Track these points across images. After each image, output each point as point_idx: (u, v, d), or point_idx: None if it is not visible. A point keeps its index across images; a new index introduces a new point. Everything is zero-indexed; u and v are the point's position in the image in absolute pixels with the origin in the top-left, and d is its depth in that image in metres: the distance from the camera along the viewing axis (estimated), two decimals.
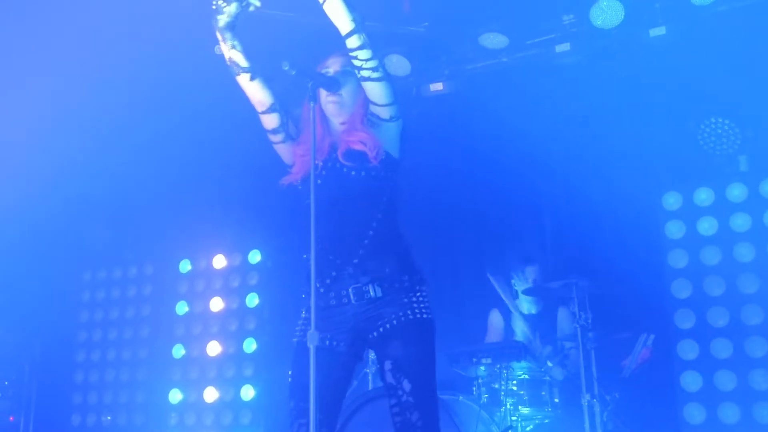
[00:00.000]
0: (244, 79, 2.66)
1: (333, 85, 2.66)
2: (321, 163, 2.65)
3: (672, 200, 5.38)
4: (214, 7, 2.55)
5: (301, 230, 2.51)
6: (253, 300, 6.28)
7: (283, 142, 2.75)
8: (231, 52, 2.63)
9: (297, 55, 2.83)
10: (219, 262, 6.46)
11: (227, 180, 6.19)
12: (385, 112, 2.64)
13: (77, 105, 5.60)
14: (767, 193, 5.12)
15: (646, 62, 5.10)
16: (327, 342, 2.53)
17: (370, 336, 2.54)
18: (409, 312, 2.52)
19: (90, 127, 5.90)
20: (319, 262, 2.39)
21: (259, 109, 2.71)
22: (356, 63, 2.55)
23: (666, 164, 5.37)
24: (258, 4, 2.53)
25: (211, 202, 6.27)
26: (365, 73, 2.55)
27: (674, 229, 5.33)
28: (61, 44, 5.07)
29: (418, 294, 2.56)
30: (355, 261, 2.52)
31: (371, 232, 2.54)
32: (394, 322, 2.51)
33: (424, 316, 2.54)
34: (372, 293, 2.51)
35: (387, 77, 2.60)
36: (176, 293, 6.56)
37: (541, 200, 5.70)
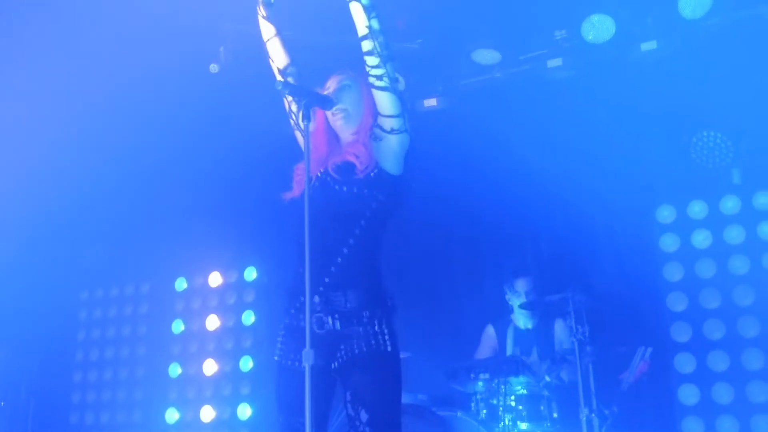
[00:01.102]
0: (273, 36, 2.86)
1: (327, 103, 2.68)
2: (317, 175, 2.68)
3: (666, 213, 5.40)
4: None
5: (289, 246, 2.62)
6: (249, 317, 6.26)
7: (294, 125, 2.82)
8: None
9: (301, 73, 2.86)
10: (215, 279, 6.45)
11: (222, 197, 6.19)
12: (387, 123, 2.66)
13: (74, 124, 5.60)
14: (761, 206, 5.15)
15: (638, 76, 5.13)
16: (291, 363, 2.60)
17: (332, 365, 2.57)
18: (364, 344, 2.52)
19: (86, 146, 5.90)
20: (298, 281, 2.48)
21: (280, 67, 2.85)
22: (366, 68, 2.64)
23: (659, 177, 5.40)
24: None
25: (206, 220, 6.26)
26: (372, 80, 2.63)
27: (669, 242, 5.35)
28: (59, 66, 5.09)
29: (377, 326, 2.54)
30: (321, 289, 2.55)
31: (339, 259, 2.54)
32: (353, 353, 2.53)
33: (382, 348, 2.52)
34: (330, 325, 2.54)
35: (393, 89, 2.64)
36: (172, 311, 6.54)
37: (535, 215, 5.71)
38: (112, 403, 6.57)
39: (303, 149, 2.80)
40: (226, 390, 6.16)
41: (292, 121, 2.84)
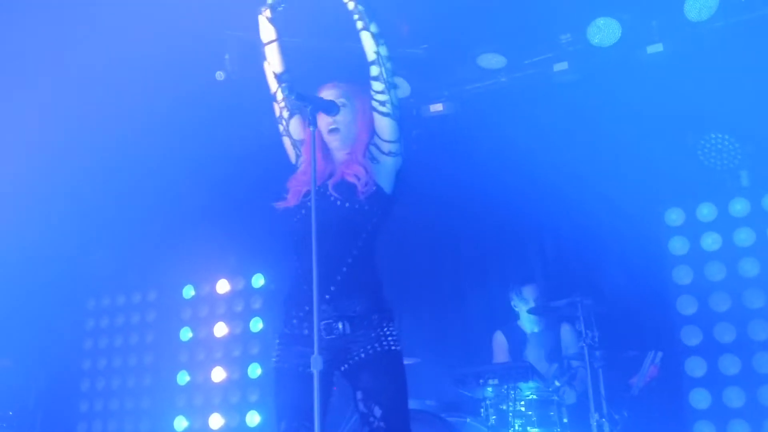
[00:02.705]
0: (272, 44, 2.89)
1: (332, 108, 2.69)
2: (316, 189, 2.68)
3: (674, 216, 5.38)
4: None
5: (288, 257, 2.69)
6: (257, 324, 6.26)
7: (283, 131, 2.88)
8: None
9: (298, 80, 2.87)
10: (222, 286, 6.45)
11: (229, 204, 6.20)
12: (385, 146, 2.75)
13: (80, 132, 5.63)
14: None
15: (645, 79, 5.11)
16: (295, 367, 2.62)
17: (342, 368, 2.63)
18: (377, 345, 2.60)
19: (93, 153, 5.92)
20: (298, 292, 2.54)
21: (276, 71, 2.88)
22: (371, 91, 2.72)
23: (667, 180, 5.37)
24: None
25: (213, 227, 6.26)
26: (375, 104, 2.71)
27: (678, 245, 5.32)
28: (66, 73, 5.11)
29: (386, 329, 2.64)
30: (327, 297, 2.59)
31: (345, 269, 2.62)
32: (362, 354, 2.59)
33: (392, 348, 2.62)
34: (341, 329, 2.58)
35: (395, 115, 2.72)
36: (180, 319, 6.54)
37: (543, 219, 5.69)
38: (121, 412, 6.56)
39: (289, 156, 2.89)
40: (234, 397, 6.15)
41: (281, 127, 2.89)
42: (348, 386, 2.66)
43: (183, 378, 6.38)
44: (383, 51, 2.69)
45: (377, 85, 2.69)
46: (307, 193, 2.67)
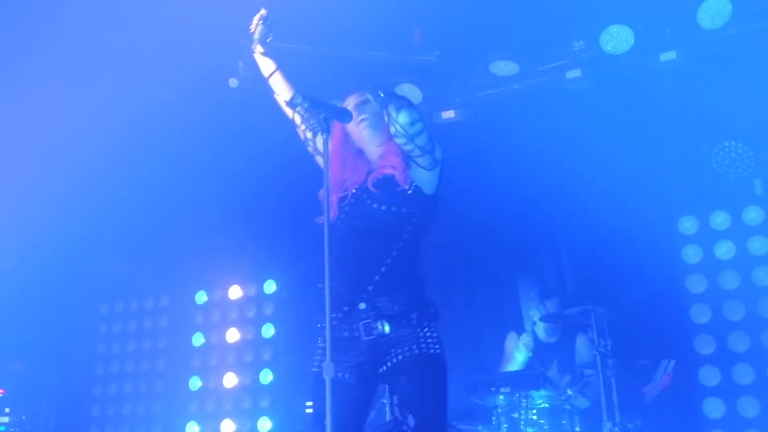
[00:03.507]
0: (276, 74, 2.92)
1: (345, 115, 2.68)
2: (352, 192, 2.68)
3: (688, 224, 5.35)
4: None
5: (316, 259, 2.52)
6: (269, 330, 6.27)
7: (313, 152, 2.84)
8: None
9: (311, 87, 2.88)
10: (235, 292, 6.47)
11: (242, 210, 6.22)
12: (422, 161, 2.66)
13: (94, 138, 5.66)
14: None
15: (658, 87, 5.10)
16: (338, 374, 2.53)
17: (380, 370, 2.57)
18: (415, 347, 2.53)
19: (105, 159, 5.96)
20: (334, 293, 2.41)
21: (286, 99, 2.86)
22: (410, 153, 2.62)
23: (681, 188, 5.35)
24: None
25: (225, 233, 6.29)
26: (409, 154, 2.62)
27: (691, 254, 5.29)
28: (80, 81, 5.15)
29: (426, 330, 2.57)
30: (365, 296, 2.55)
31: (383, 269, 2.56)
32: (400, 357, 2.53)
33: (431, 351, 2.55)
34: (380, 329, 2.53)
35: (428, 160, 2.63)
36: (192, 324, 6.56)
37: (556, 226, 5.68)
38: (133, 417, 6.59)
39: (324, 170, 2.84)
40: (246, 403, 6.16)
41: (310, 149, 2.85)
42: (386, 388, 2.62)
43: (195, 383, 6.40)
44: (399, 128, 2.53)
45: (405, 146, 2.60)
46: (343, 198, 2.65)
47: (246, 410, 6.14)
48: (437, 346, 2.56)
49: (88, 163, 5.92)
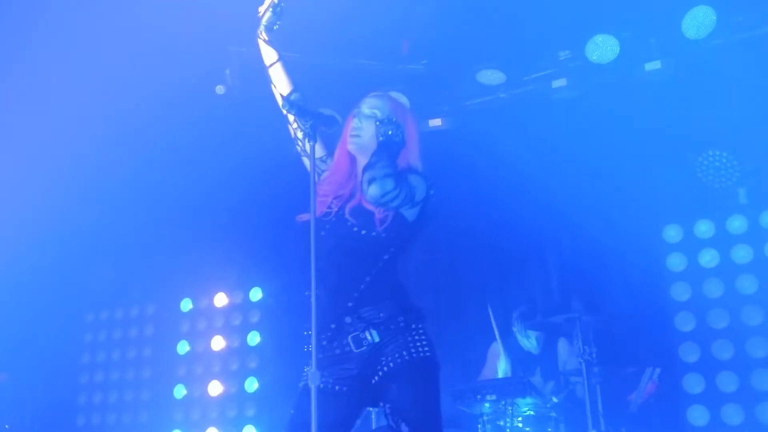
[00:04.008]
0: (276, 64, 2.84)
1: (332, 123, 2.67)
2: (335, 209, 2.65)
3: (673, 233, 5.38)
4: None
5: (302, 270, 2.50)
6: (254, 338, 6.24)
7: (301, 151, 2.80)
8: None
9: (305, 95, 2.87)
10: (220, 300, 6.44)
11: (227, 218, 6.20)
12: (401, 209, 2.60)
13: (79, 146, 5.64)
14: None
15: (643, 96, 5.14)
16: (331, 386, 2.54)
17: (373, 381, 2.54)
18: (405, 352, 2.50)
19: (90, 167, 5.93)
20: (319, 304, 2.40)
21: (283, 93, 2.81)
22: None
23: (665, 197, 5.38)
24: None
25: (211, 240, 6.27)
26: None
27: (676, 262, 5.32)
28: (66, 87, 5.13)
29: (414, 332, 2.54)
30: (350, 307, 2.53)
31: (362, 286, 2.55)
32: (391, 364, 2.50)
33: (422, 354, 2.52)
34: (370, 339, 2.51)
35: (412, 208, 2.58)
36: (177, 332, 6.52)
37: (542, 234, 5.70)
38: (117, 426, 6.54)
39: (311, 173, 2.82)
40: (231, 412, 6.13)
41: (298, 148, 2.82)
42: (379, 397, 2.55)
43: (180, 392, 6.36)
44: (374, 191, 2.45)
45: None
46: (326, 214, 2.61)
47: (231, 419, 6.11)
48: (427, 349, 2.53)
49: (72, 170, 5.89)
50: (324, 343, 2.53)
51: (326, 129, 2.67)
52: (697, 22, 4.71)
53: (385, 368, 2.50)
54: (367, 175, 2.49)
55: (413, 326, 2.54)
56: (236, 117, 5.47)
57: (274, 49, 2.85)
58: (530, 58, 5.31)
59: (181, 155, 5.91)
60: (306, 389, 2.48)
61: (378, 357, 2.52)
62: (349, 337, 2.51)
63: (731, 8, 4.75)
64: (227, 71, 5.07)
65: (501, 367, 4.92)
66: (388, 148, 2.58)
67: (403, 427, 2.45)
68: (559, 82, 5.26)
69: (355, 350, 2.51)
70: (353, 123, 2.70)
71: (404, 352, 2.50)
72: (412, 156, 2.72)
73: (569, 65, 5.24)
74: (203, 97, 5.23)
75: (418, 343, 2.52)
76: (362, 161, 2.67)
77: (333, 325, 2.52)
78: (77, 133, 5.50)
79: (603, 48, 4.95)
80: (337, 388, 2.54)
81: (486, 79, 5.37)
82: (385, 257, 2.59)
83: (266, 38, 2.85)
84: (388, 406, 2.50)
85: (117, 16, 4.59)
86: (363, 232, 2.59)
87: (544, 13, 4.83)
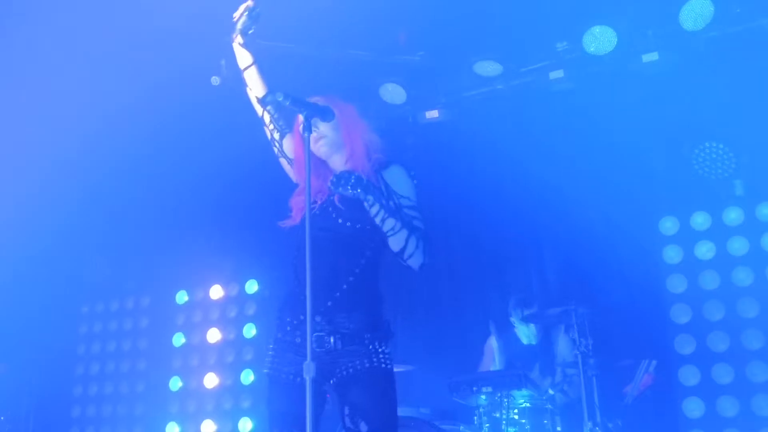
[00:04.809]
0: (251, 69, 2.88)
1: (327, 114, 2.65)
2: (319, 203, 2.67)
3: (669, 225, 5.39)
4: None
5: (287, 266, 2.67)
6: (250, 330, 6.24)
7: (278, 153, 2.84)
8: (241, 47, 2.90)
9: (291, 86, 2.85)
10: (216, 292, 6.43)
11: (223, 210, 6.18)
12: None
13: (75, 138, 5.60)
14: (764, 217, 5.13)
15: (640, 88, 5.13)
16: (292, 379, 2.57)
17: (330, 381, 2.58)
18: (366, 361, 2.55)
19: (87, 159, 5.90)
20: (296, 299, 2.48)
21: (258, 96, 2.86)
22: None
23: (662, 189, 5.38)
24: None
25: (207, 233, 6.25)
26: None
27: (672, 254, 5.33)
28: (60, 80, 5.10)
29: (377, 348, 2.57)
30: (323, 310, 2.55)
31: (345, 286, 2.57)
32: (350, 370, 2.55)
33: (382, 366, 2.56)
34: (331, 344, 2.54)
35: (409, 234, 2.61)
36: (173, 325, 6.52)
37: (538, 227, 5.69)
38: (113, 418, 6.54)
39: (290, 176, 2.85)
40: (227, 404, 6.13)
41: (275, 149, 2.85)
42: (336, 400, 2.62)
43: (176, 384, 6.36)
44: (378, 218, 2.52)
45: (388, 232, 2.56)
46: (310, 207, 2.62)
47: (227, 411, 6.11)
48: (388, 363, 2.58)
49: (66, 163, 5.86)
50: (288, 328, 2.61)
51: (321, 119, 2.65)
52: (695, 14, 4.69)
53: (344, 372, 2.55)
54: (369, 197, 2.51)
55: (376, 343, 2.57)
56: (232, 108, 5.43)
57: (249, 52, 2.87)
58: (528, 50, 5.29)
59: (177, 147, 5.89)
60: (271, 379, 2.61)
61: (336, 359, 2.56)
62: (314, 334, 2.52)
63: (729, 0, 4.74)
64: (222, 62, 5.04)
65: (497, 360, 4.93)
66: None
67: (362, 426, 2.49)
68: (556, 74, 5.25)
69: (315, 348, 2.51)
70: (314, 135, 2.64)
71: (365, 361, 2.55)
72: (358, 137, 2.71)
73: (567, 56, 5.22)
74: (198, 88, 5.20)
75: (381, 356, 2.57)
76: (336, 159, 2.71)
77: (302, 317, 2.52)
78: (73, 125, 5.46)
79: (600, 39, 4.93)
80: (298, 380, 2.53)
81: (483, 70, 5.35)
82: (368, 253, 2.62)
83: (242, 41, 2.87)
84: (346, 408, 2.54)
85: (110, 6, 4.56)
86: (348, 224, 2.62)
87: (542, 4, 4.81)
